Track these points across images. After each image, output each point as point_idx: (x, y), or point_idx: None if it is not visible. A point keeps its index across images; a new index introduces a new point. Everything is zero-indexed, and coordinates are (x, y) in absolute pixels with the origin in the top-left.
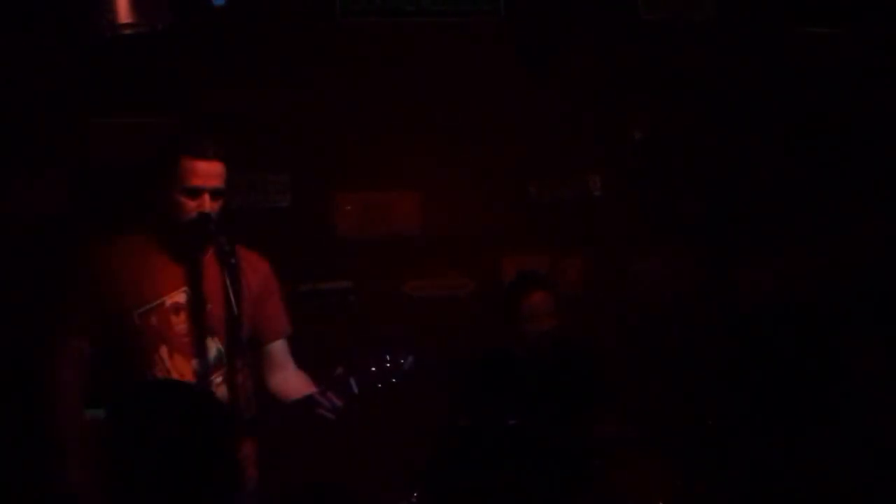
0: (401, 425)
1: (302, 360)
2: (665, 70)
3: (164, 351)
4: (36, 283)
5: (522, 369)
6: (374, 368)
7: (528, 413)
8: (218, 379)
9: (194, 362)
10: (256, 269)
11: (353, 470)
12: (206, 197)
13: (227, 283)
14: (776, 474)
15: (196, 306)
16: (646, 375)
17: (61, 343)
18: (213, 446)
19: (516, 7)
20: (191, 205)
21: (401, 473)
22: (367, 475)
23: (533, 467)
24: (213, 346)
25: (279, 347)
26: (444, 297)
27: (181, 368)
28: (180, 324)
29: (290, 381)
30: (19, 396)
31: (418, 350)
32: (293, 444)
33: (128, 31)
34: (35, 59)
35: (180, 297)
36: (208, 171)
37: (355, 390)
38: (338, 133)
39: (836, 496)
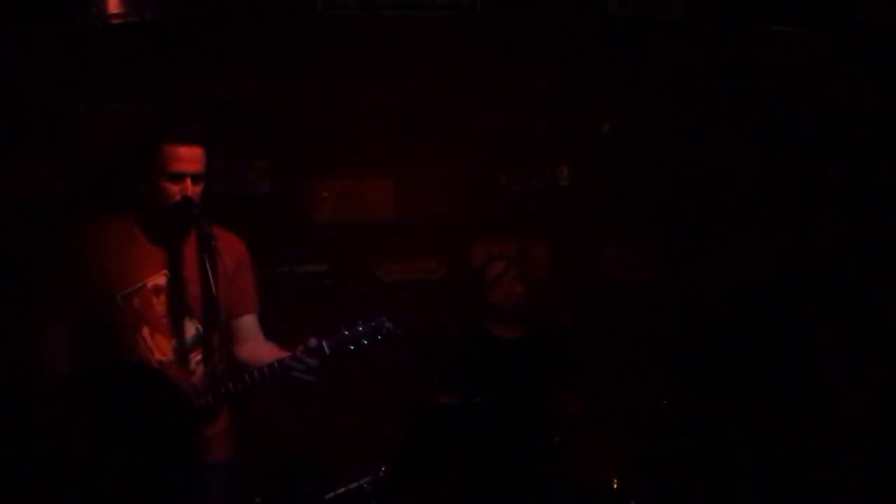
0: (370, 400)
1: (277, 339)
2: (633, 65)
3: (146, 331)
4: (26, 266)
5: (494, 347)
6: (345, 332)
7: (495, 390)
8: (197, 357)
9: (174, 342)
10: (232, 249)
11: (324, 443)
12: (189, 182)
13: (207, 265)
14: (729, 453)
15: (176, 288)
16: (607, 358)
17: (47, 323)
18: (169, 427)
19: (492, 4)
20: (174, 189)
21: (370, 447)
22: (338, 449)
23: (496, 443)
24: (192, 326)
25: (250, 321)
26: (416, 280)
27: (162, 348)
28: (160, 305)
29: (262, 349)
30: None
31: (389, 317)
32: (267, 417)
33: (116, 22)
34: (26, 47)
35: (160, 279)
36: (190, 157)
37: (327, 352)
38: (316, 122)
39: (789, 472)
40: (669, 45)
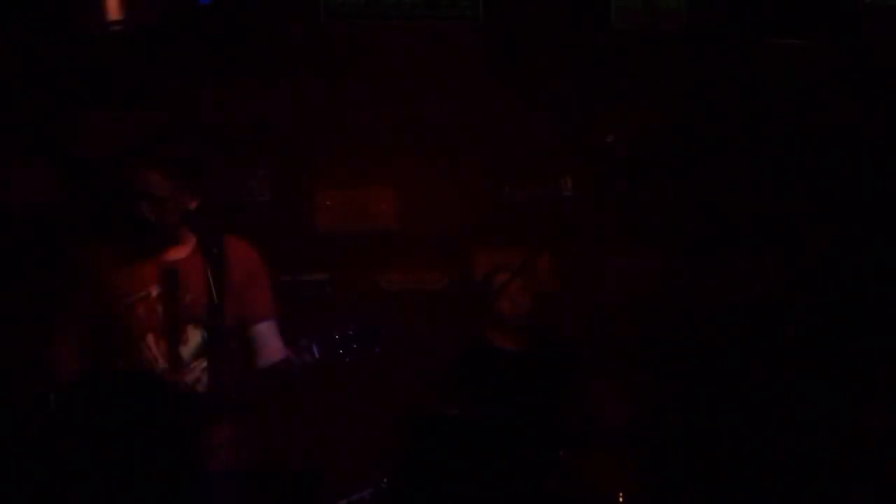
0: (372, 411)
1: None
2: (636, 77)
3: (150, 339)
4: (31, 271)
5: (497, 359)
6: (336, 337)
7: (497, 402)
8: (202, 365)
9: (177, 350)
10: (242, 257)
11: (326, 454)
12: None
13: (210, 273)
14: (736, 467)
15: (171, 297)
16: (611, 370)
17: (56, 332)
18: (172, 433)
19: (494, 15)
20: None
21: (372, 459)
22: (340, 460)
23: (501, 456)
24: (197, 335)
25: (266, 328)
26: (418, 290)
27: (167, 356)
28: (165, 313)
29: (279, 357)
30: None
31: (385, 328)
32: (271, 428)
33: (117, 29)
34: (26, 54)
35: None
36: (151, 181)
37: (317, 355)
38: (318, 131)
39: (794, 484)
40: (672, 58)
